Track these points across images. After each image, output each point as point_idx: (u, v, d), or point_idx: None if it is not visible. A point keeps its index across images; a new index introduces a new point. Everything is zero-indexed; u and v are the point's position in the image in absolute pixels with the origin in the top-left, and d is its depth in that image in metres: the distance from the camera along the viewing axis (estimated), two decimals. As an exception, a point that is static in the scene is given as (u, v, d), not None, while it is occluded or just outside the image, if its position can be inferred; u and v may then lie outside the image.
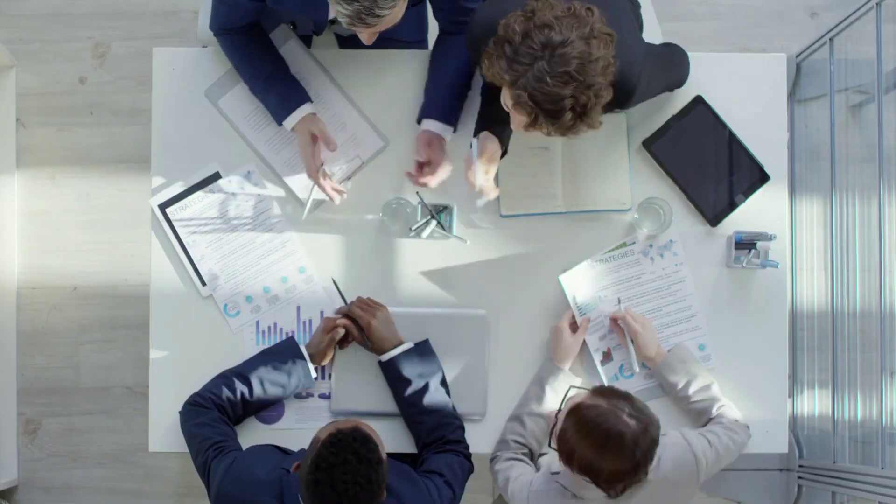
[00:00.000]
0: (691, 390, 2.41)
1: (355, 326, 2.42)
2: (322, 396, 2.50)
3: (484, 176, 2.35)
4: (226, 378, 2.40)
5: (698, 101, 2.54)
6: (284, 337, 2.51)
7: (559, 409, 2.18)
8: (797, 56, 3.18)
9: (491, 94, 2.33)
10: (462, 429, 2.41)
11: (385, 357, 2.41)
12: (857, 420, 2.99)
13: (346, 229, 2.54)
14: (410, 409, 2.40)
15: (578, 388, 2.23)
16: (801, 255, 3.21)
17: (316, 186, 2.46)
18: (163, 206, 2.52)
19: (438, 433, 2.37)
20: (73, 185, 3.33)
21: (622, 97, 2.21)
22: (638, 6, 2.51)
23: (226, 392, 2.37)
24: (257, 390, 2.39)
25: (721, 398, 2.42)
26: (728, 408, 2.42)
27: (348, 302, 2.45)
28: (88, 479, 3.30)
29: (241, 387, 2.38)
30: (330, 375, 2.48)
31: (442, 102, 2.47)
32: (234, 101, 2.54)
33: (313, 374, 2.43)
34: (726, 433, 2.36)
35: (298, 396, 2.48)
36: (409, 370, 2.39)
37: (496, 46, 2.07)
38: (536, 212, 2.52)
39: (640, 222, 2.51)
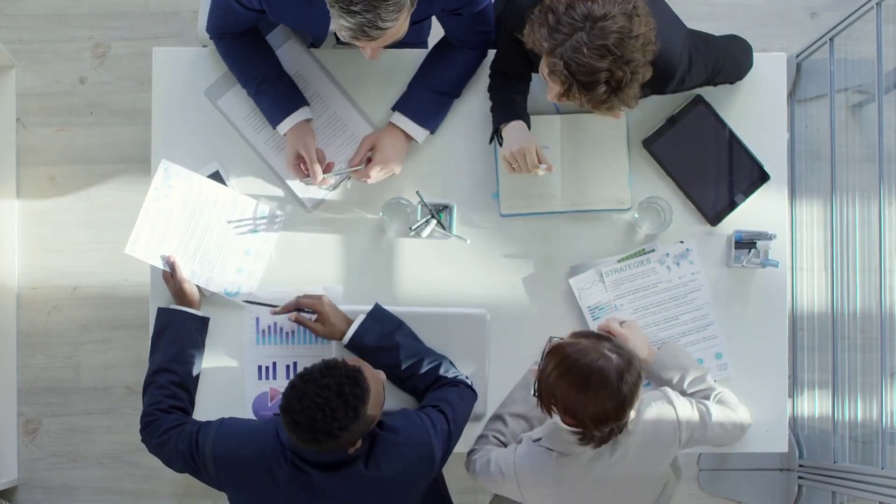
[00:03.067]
0: (686, 383, 2.40)
1: (309, 319, 2.42)
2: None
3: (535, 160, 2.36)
4: (154, 385, 2.39)
5: (698, 101, 2.53)
6: (283, 337, 2.51)
7: (541, 358, 2.14)
8: (797, 56, 3.18)
9: (504, 82, 2.39)
10: (453, 365, 2.42)
11: (346, 339, 2.40)
12: (857, 420, 2.99)
13: (346, 229, 2.54)
14: (395, 371, 2.39)
15: (559, 338, 2.20)
16: (801, 255, 3.21)
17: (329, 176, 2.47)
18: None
19: (429, 378, 2.38)
20: (73, 185, 3.32)
21: (662, 80, 2.23)
22: None
23: (164, 394, 2.37)
24: (183, 369, 2.40)
25: (717, 387, 2.41)
26: (726, 394, 2.40)
27: (273, 305, 2.46)
28: (88, 479, 3.30)
29: (171, 379, 2.38)
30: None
31: (419, 103, 2.47)
32: (233, 101, 2.54)
33: (200, 314, 2.46)
34: (721, 408, 2.35)
35: None
36: (372, 338, 2.39)
37: (540, 14, 2.12)
38: (536, 211, 2.52)
39: (640, 222, 2.51)
